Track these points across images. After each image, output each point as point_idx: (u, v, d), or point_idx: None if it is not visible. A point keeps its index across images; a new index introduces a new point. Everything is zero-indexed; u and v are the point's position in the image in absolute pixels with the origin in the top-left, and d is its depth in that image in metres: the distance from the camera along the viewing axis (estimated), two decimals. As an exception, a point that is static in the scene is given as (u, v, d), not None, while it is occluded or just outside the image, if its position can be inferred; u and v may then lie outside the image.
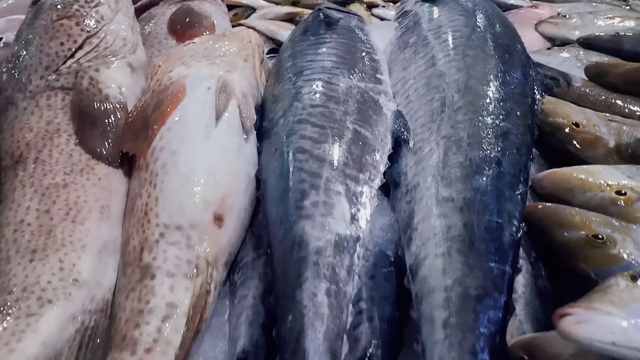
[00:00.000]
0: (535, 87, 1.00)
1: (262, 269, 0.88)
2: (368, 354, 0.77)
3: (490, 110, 0.91)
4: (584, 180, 0.94)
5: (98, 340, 0.85)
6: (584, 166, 0.98)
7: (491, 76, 0.98)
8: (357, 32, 1.23)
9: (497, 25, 1.10)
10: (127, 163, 1.01)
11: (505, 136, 0.88)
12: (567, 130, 1.07)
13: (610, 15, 1.79)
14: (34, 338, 0.80)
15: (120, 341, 0.80)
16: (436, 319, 0.72)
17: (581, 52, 1.49)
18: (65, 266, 0.87)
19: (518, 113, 0.93)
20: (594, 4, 2.01)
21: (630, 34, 1.48)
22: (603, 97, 1.21)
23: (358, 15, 1.37)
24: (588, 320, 0.62)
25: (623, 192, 0.90)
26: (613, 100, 1.20)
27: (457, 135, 0.89)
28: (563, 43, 1.63)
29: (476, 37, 1.06)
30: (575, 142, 1.06)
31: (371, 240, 0.88)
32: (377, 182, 0.88)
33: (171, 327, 0.80)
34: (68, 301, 0.85)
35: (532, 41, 1.65)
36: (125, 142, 0.97)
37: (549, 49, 1.54)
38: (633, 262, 0.76)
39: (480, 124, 0.89)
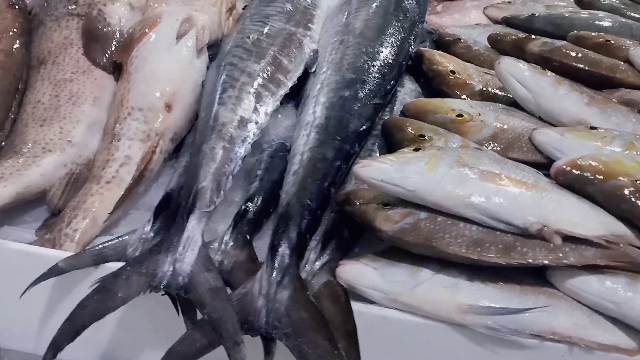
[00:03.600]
0: (414, 38, 1.36)
1: (196, 146, 1.26)
2: (254, 199, 1.14)
3: (371, 49, 1.30)
4: (436, 106, 1.29)
5: (79, 183, 1.25)
6: (441, 99, 1.33)
7: (382, 27, 1.34)
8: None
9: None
10: (117, 72, 1.40)
11: (375, 67, 1.25)
12: (444, 75, 1.42)
13: (549, 4, 2.10)
14: (37, 170, 1.20)
15: (92, 178, 1.20)
16: (291, 170, 1.09)
17: (500, 29, 1.82)
18: (64, 131, 1.27)
19: (393, 53, 1.30)
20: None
21: (542, 15, 1.80)
22: (491, 57, 1.55)
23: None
24: (369, 165, 0.99)
25: (461, 115, 1.25)
26: (498, 61, 1.54)
27: (341, 63, 1.27)
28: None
29: (384, 1, 1.42)
30: (449, 84, 1.41)
31: (277, 134, 1.26)
32: (282, 92, 1.26)
33: (125, 171, 1.19)
34: (62, 153, 1.24)
35: (477, 21, 2.00)
36: (116, 53, 1.37)
37: (477, 24, 1.87)
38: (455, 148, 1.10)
39: (359, 57, 1.27)
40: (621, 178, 0.96)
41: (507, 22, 1.85)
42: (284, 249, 0.98)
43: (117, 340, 1.12)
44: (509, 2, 2.09)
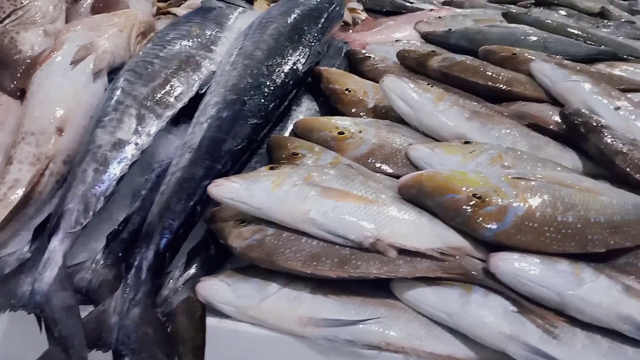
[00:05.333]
0: (306, 58, 1.40)
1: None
2: (131, 219, 1.18)
3: (256, 70, 1.34)
4: (322, 123, 1.32)
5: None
6: (329, 117, 1.37)
7: (272, 49, 1.39)
8: (221, 17, 1.64)
9: (305, 17, 1.51)
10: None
11: (256, 88, 1.29)
12: (340, 93, 1.46)
13: (478, 18, 2.14)
14: None
15: (-18, 201, 1.25)
16: (160, 190, 1.13)
17: (418, 44, 1.85)
18: (-34, 156, 1.32)
19: (278, 74, 1.34)
20: (497, 11, 2.33)
21: (457, 31, 1.84)
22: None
23: (242, 6, 1.80)
24: (220, 185, 1.02)
25: (342, 132, 1.28)
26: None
27: (226, 84, 1.31)
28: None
29: (282, 24, 1.47)
30: (344, 102, 1.45)
31: (167, 155, 1.30)
32: (170, 113, 1.30)
33: (13, 193, 1.23)
34: (-38, 176, 1.29)
35: (408, 37, 2.03)
36: (21, 79, 1.42)
37: (397, 41, 1.90)
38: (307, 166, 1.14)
39: (243, 78, 1.32)
40: (458, 192, 0.99)
41: (426, 38, 1.89)
42: (139, 268, 1.02)
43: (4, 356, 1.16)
44: (440, 18, 2.13)
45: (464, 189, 0.99)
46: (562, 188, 1.01)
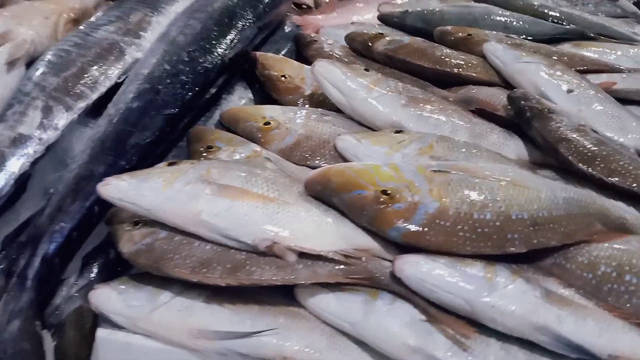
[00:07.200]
0: (234, 43, 1.30)
1: None
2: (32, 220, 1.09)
3: (175, 57, 1.25)
4: (249, 113, 1.23)
5: None
6: (258, 106, 1.27)
7: (196, 34, 1.29)
8: (159, 1, 1.54)
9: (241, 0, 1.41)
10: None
11: (173, 76, 1.20)
12: (275, 80, 1.36)
13: (444, -2, 2.01)
14: None
15: None
16: (55, 190, 1.04)
17: (376, 26, 1.74)
18: None
19: (201, 60, 1.24)
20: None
21: (414, 12, 1.72)
22: (342, 57, 1.49)
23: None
24: (109, 183, 0.93)
25: (268, 122, 1.19)
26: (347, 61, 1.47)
27: (142, 74, 1.22)
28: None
29: (214, 7, 1.37)
30: (279, 89, 1.35)
31: (78, 149, 1.21)
32: (83, 104, 1.21)
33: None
34: None
35: (371, 20, 1.92)
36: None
37: (352, 23, 1.79)
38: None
39: (159, 66, 1.23)
40: (365, 188, 0.89)
41: (383, 19, 1.77)
42: (23, 276, 0.94)
43: None
44: (405, -2, 2.01)
45: (372, 184, 0.89)
46: (485, 182, 0.91)
